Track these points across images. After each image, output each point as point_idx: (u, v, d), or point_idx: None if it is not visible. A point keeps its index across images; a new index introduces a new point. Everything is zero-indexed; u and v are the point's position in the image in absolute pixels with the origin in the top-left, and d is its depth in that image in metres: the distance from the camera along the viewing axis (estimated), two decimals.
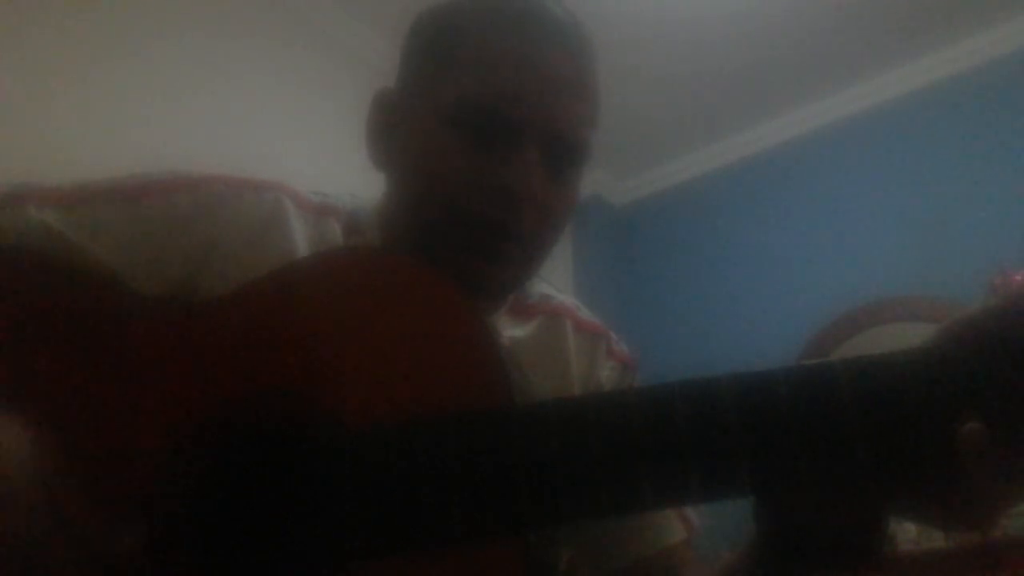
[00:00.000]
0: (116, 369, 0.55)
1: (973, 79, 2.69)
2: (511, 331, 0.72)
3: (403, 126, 0.67)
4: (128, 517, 0.49)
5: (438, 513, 0.48)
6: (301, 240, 0.65)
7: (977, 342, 0.44)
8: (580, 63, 0.65)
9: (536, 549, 0.65)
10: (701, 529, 0.73)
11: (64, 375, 0.54)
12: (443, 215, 0.62)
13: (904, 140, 2.78)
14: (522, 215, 0.61)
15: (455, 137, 0.62)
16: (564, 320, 0.75)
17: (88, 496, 0.49)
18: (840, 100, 2.93)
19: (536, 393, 0.68)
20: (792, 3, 2.53)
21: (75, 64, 1.80)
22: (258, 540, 0.53)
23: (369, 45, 2.44)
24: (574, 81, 0.64)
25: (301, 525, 0.52)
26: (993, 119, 2.60)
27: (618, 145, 3.07)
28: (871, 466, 0.45)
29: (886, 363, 0.45)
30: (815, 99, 2.95)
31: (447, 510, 0.48)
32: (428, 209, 0.63)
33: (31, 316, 0.56)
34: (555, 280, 0.81)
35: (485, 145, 0.61)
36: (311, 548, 0.51)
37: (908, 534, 2.21)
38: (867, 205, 2.78)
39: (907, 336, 0.48)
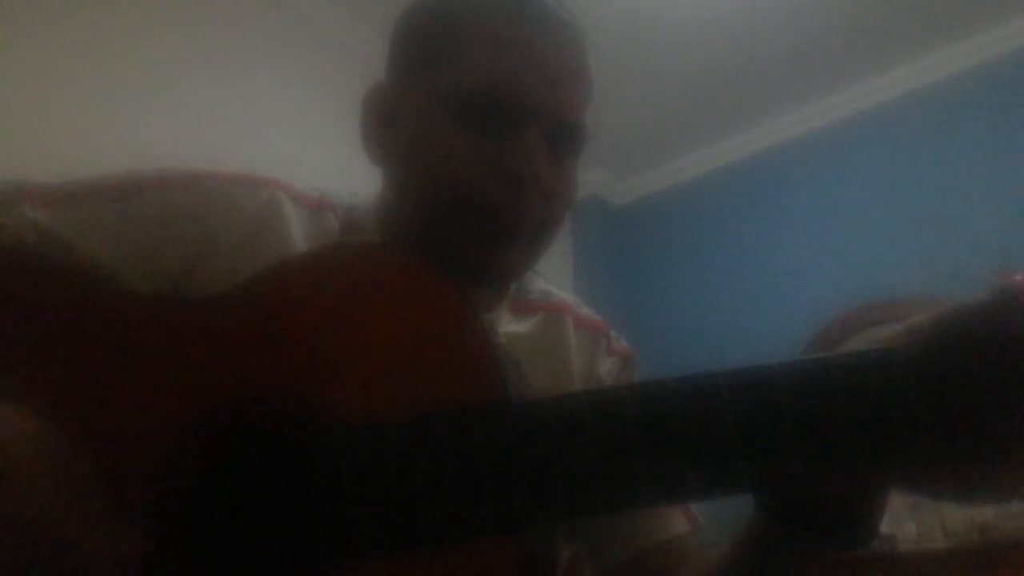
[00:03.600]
0: (112, 368, 0.54)
1: (973, 79, 2.69)
2: (511, 326, 0.72)
3: (401, 119, 0.67)
4: (127, 518, 0.49)
5: (435, 510, 0.48)
6: (298, 236, 0.65)
7: (964, 334, 0.44)
8: (577, 48, 0.66)
9: (534, 546, 0.65)
10: (703, 525, 0.73)
11: (59, 375, 0.53)
12: (451, 204, 0.62)
13: (904, 140, 2.78)
14: (529, 200, 0.62)
15: (460, 126, 0.62)
16: (564, 317, 0.75)
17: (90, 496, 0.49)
18: (840, 100, 2.93)
19: (536, 389, 0.68)
20: (792, 3, 2.53)
21: (73, 64, 1.80)
22: (256, 539, 0.53)
23: (364, 40, 2.44)
24: (573, 66, 0.65)
25: (298, 524, 0.52)
26: (993, 119, 2.60)
27: (618, 145, 3.07)
28: (866, 456, 0.44)
29: (879, 357, 0.46)
30: (815, 99, 2.95)
31: (444, 507, 0.48)
32: (435, 199, 0.63)
33: (27, 316, 0.55)
34: (555, 279, 0.82)
35: (490, 132, 0.62)
36: (309, 547, 0.51)
37: (908, 534, 2.21)
38: (867, 205, 2.78)
39: None
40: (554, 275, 0.78)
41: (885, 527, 0.52)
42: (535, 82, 0.62)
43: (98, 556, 0.43)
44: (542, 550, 0.68)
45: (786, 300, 2.78)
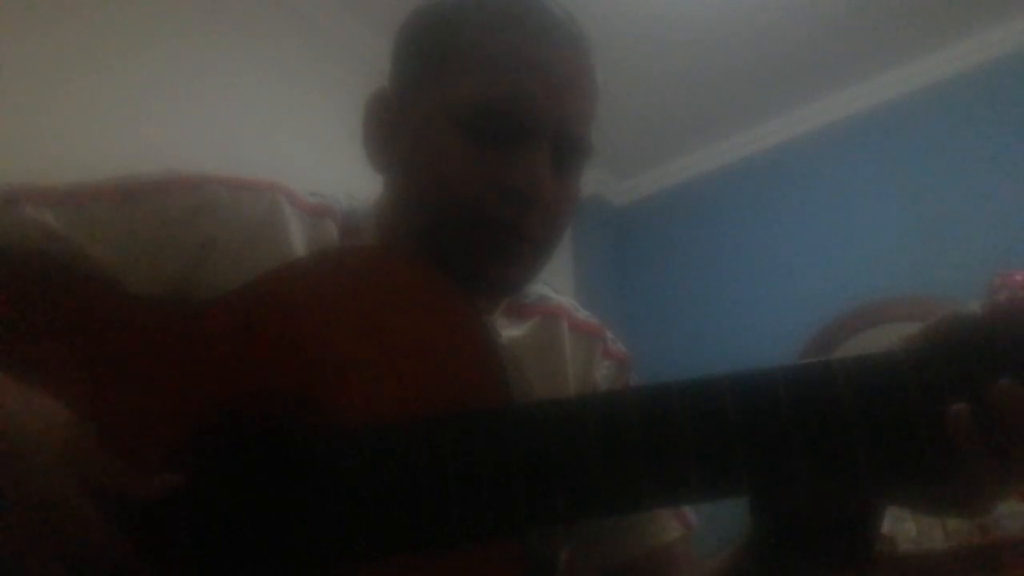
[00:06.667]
0: (114, 371, 0.54)
1: (973, 79, 2.69)
2: (508, 330, 0.72)
3: (405, 127, 0.66)
4: (128, 518, 0.49)
5: (437, 513, 0.48)
6: (298, 240, 0.65)
7: (964, 339, 0.45)
8: (583, 61, 0.65)
9: (535, 548, 0.65)
10: (697, 529, 0.73)
11: (61, 377, 0.53)
12: (453, 216, 0.62)
13: (904, 140, 2.78)
14: (532, 215, 0.62)
15: (464, 139, 0.61)
16: (560, 320, 0.75)
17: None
18: (840, 100, 2.94)
19: (533, 393, 0.68)
20: (792, 3, 2.53)
21: (74, 64, 1.80)
22: (257, 540, 0.53)
23: (366, 42, 2.44)
24: (579, 80, 0.64)
25: (300, 525, 0.52)
26: (993, 119, 2.60)
27: (618, 145, 3.07)
28: (868, 460, 0.45)
29: (880, 361, 0.46)
30: (815, 99, 2.95)
31: (446, 510, 0.48)
32: (436, 210, 0.63)
33: (29, 317, 0.55)
34: (555, 280, 0.81)
35: (494, 145, 0.61)
36: (310, 548, 0.51)
37: (908, 534, 2.21)
38: (867, 205, 2.78)
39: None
40: (554, 275, 0.78)
41: (885, 527, 0.52)
42: (541, 95, 0.61)
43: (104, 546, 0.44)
44: (543, 552, 0.68)
45: (786, 300, 2.79)
